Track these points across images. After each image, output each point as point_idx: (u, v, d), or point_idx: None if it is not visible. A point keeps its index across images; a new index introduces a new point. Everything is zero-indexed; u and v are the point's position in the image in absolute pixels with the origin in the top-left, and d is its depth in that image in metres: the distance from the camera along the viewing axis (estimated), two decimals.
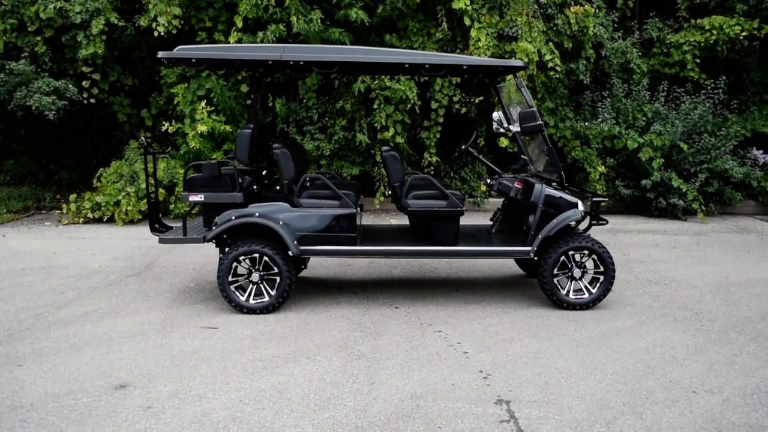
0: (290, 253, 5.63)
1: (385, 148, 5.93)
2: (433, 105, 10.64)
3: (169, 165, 10.66)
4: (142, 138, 5.91)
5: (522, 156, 6.74)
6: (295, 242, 5.66)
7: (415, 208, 5.84)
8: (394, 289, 6.62)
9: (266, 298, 5.76)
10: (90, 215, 10.56)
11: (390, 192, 6.06)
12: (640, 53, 12.51)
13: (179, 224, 6.01)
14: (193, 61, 5.46)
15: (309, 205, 5.76)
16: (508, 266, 7.71)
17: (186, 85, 10.81)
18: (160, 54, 5.43)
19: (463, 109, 10.75)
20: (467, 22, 10.04)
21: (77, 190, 12.49)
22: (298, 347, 5.02)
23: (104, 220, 10.62)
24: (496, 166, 6.91)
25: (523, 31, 10.09)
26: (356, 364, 4.70)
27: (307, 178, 5.84)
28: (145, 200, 10.40)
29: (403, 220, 10.02)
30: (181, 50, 5.51)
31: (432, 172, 11.15)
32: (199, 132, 10.19)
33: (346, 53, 5.57)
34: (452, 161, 9.19)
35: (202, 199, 5.69)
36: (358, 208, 5.83)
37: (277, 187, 5.96)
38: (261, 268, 5.73)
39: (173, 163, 10.75)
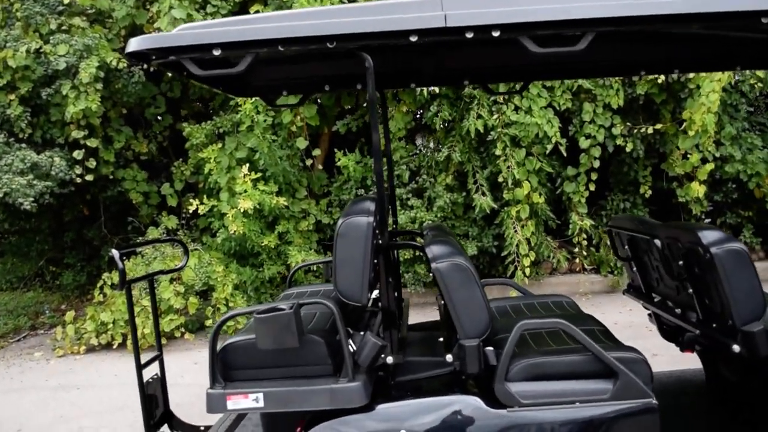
0: None
1: (714, 236, 2.35)
2: (583, 143, 7.16)
3: (202, 261, 7.36)
4: (114, 253, 2.55)
5: None
6: None
7: None
8: None
9: None
10: (94, 341, 7.29)
11: (740, 346, 2.38)
12: None
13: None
14: (217, 53, 2.10)
15: (536, 400, 2.23)
16: None
17: (220, 145, 7.62)
18: (132, 44, 2.11)
19: (629, 145, 7.21)
20: None
21: (86, 299, 9.30)
22: None
23: (114, 346, 7.30)
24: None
25: None
26: None
27: (523, 330, 2.32)
28: (171, 315, 7.10)
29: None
30: (187, 31, 2.16)
31: (584, 242, 7.56)
32: (242, 210, 6.90)
33: None
34: None
35: (261, 404, 2.21)
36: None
37: (448, 358, 2.41)
38: None
39: (207, 257, 7.45)
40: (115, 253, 2.61)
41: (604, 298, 7.49)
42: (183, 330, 7.24)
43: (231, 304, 6.96)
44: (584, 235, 7.56)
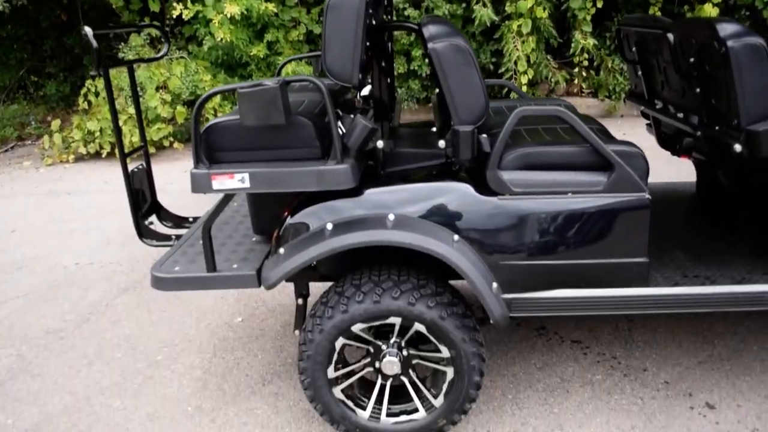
0: (489, 314, 2.17)
1: (732, 29, 2.13)
2: None
3: (189, 69, 7.11)
4: (87, 31, 2.37)
5: None
6: (496, 285, 2.18)
7: None
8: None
9: (421, 414, 2.36)
10: (82, 150, 7.21)
11: (742, 145, 2.25)
12: None
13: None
14: None
15: (528, 189, 2.19)
16: None
17: None
18: None
19: None
20: None
21: (71, 110, 9.08)
22: None
23: (102, 155, 7.25)
24: None
25: None
26: None
27: (521, 117, 2.20)
28: (159, 125, 6.95)
29: None
30: None
31: (585, 62, 7.31)
32: (229, 15, 6.53)
33: None
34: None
35: (247, 185, 2.15)
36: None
37: (440, 143, 2.33)
38: (405, 344, 2.30)
39: (194, 65, 7.18)
40: (87, 30, 2.41)
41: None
42: (171, 139, 7.15)
43: (219, 114, 6.81)
44: (586, 56, 7.26)
